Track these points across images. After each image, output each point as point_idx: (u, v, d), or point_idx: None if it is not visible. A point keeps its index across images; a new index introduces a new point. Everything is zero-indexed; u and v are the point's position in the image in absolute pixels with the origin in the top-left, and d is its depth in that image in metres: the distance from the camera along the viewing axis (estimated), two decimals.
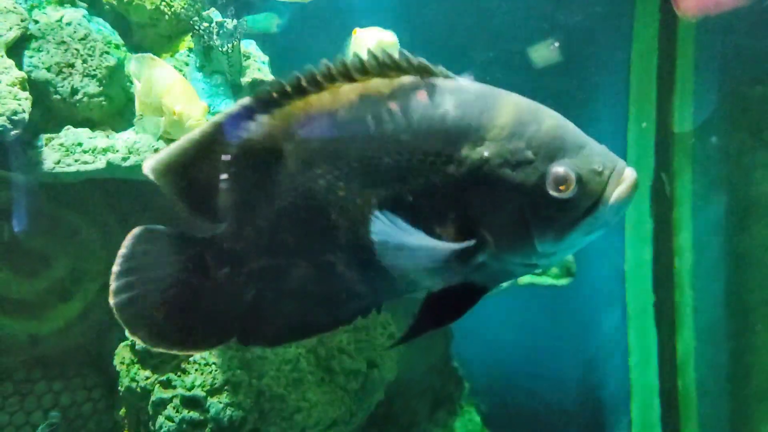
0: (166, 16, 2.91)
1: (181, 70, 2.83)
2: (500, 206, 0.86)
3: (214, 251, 1.03)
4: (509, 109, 0.87)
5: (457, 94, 0.89)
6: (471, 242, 0.88)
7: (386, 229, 0.86)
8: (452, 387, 3.32)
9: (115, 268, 1.05)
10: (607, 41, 3.59)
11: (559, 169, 0.86)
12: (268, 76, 2.58)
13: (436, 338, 3.25)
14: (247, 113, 0.97)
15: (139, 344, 1.06)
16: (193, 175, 1.00)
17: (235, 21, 2.55)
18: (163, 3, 2.91)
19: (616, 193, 0.86)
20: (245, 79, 2.56)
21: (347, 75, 0.94)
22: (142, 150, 2.20)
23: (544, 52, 3.35)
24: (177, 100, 2.03)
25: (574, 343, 3.75)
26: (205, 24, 2.52)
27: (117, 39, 2.75)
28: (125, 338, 2.41)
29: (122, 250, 1.03)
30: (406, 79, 0.91)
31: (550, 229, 0.87)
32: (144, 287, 1.04)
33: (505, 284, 2.93)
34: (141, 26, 2.93)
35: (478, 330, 3.52)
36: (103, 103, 2.52)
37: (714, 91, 3.59)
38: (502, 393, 3.71)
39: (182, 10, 2.97)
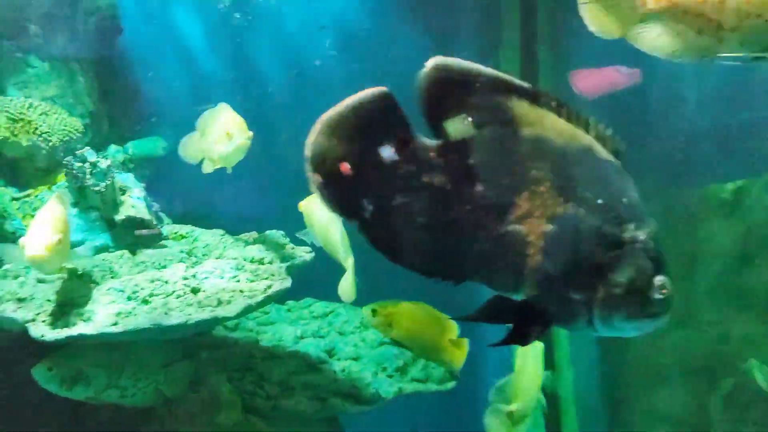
0: (44, 151, 2.96)
1: None
2: (623, 270, 1.17)
3: (418, 145, 1.12)
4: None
5: (636, 188, 1.22)
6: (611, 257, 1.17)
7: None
8: None
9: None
10: None
11: (666, 279, 1.18)
12: (142, 212, 2.66)
13: None
14: (518, 89, 1.15)
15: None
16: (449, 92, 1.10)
17: (108, 161, 2.63)
18: (40, 138, 2.96)
19: (665, 318, 1.19)
20: (119, 216, 2.62)
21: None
22: (5, 299, 2.22)
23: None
24: (26, 233, 2.14)
25: None
26: (78, 164, 2.59)
27: None
28: None
29: (349, 100, 1.07)
30: (600, 148, 1.20)
31: (630, 308, 1.17)
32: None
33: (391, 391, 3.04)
34: (18, 161, 2.97)
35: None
36: None
37: None
38: None
39: (60, 144, 3.03)
